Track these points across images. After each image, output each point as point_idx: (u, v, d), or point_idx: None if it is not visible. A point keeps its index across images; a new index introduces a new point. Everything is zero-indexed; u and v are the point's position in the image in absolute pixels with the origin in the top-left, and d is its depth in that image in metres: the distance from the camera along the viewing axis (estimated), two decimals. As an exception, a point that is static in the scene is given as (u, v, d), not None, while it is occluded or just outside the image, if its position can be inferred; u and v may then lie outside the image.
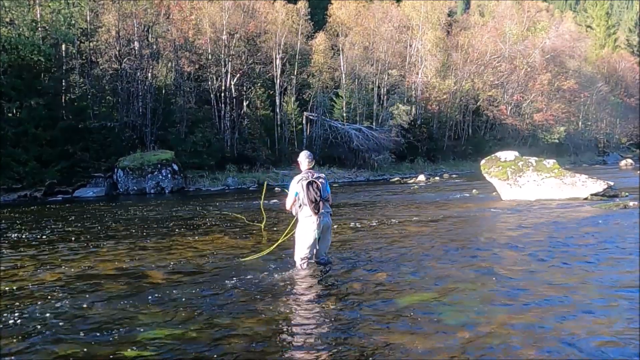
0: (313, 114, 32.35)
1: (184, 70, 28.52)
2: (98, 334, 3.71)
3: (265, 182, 8.67)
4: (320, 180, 5.49)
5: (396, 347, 3.36)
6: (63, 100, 23.20)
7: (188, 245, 7.56)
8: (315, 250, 5.58)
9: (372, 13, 35.55)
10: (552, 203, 11.66)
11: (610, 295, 4.39)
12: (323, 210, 5.43)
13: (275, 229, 8.83)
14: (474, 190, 16.24)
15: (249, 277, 5.33)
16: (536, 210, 10.65)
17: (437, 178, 26.84)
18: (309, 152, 5.78)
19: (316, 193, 5.36)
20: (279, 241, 6.16)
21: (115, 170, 21.98)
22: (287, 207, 5.61)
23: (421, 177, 26.29)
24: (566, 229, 7.95)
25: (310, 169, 5.61)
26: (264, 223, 8.70)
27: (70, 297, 4.71)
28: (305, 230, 5.46)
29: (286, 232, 6.06)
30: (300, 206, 5.47)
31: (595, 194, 12.16)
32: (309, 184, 5.37)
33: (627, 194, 12.83)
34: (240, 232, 8.79)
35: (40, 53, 20.65)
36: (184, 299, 4.56)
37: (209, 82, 28.97)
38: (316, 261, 5.63)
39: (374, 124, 33.40)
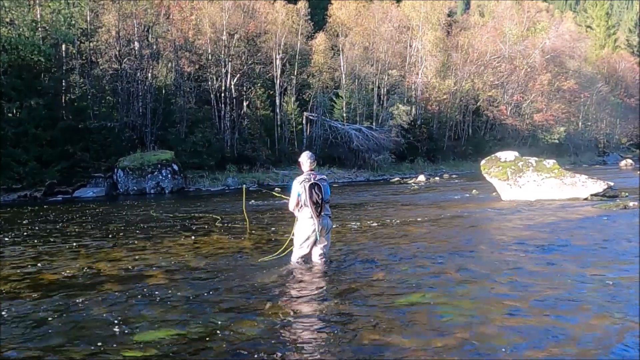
0: (313, 114, 32.34)
1: (184, 71, 28.51)
2: (98, 335, 3.70)
3: (244, 187, 8.67)
4: (323, 182, 5.51)
5: (396, 347, 3.36)
6: (63, 101, 23.18)
7: (188, 245, 7.55)
8: (314, 250, 5.59)
9: (372, 13, 35.54)
10: (552, 203, 11.66)
11: (611, 295, 4.39)
12: (323, 213, 5.44)
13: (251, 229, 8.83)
14: (474, 191, 16.24)
15: (248, 277, 5.33)
16: (536, 210, 10.65)
17: (437, 178, 26.84)
18: (310, 153, 5.78)
19: (318, 195, 5.37)
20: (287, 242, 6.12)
21: (115, 170, 21.97)
22: (291, 208, 5.61)
23: (421, 178, 26.30)
24: (566, 229, 7.95)
25: (311, 170, 5.61)
26: (247, 225, 8.74)
27: (70, 297, 4.71)
28: (304, 230, 5.48)
29: (293, 232, 5.98)
30: (300, 207, 5.47)
31: (596, 194, 12.16)
32: (312, 185, 5.37)
33: (627, 194, 12.83)
34: (240, 232, 8.79)
35: (40, 53, 20.63)
36: (184, 299, 4.55)
37: (209, 82, 28.96)
38: (316, 261, 5.64)
39: (374, 124, 33.39)
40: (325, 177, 5.68)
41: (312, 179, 5.43)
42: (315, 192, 5.36)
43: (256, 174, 26.85)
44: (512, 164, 13.23)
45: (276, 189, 18.44)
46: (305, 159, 5.66)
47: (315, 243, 5.53)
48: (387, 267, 5.68)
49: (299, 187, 5.43)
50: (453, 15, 51.92)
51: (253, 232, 8.64)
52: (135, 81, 25.79)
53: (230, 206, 14.33)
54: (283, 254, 6.04)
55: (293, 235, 5.77)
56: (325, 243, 5.62)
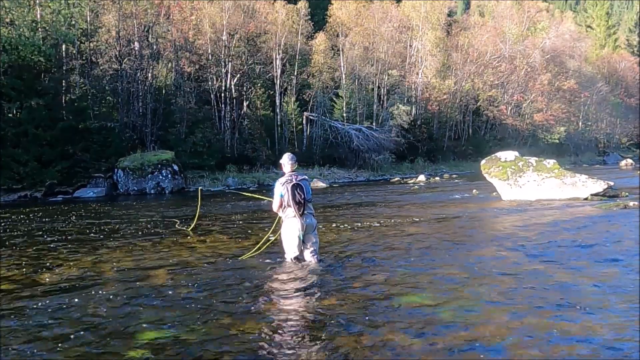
0: (313, 114, 32.36)
1: (184, 71, 28.53)
2: (98, 335, 3.70)
3: (200, 189, 8.87)
4: (305, 182, 5.66)
5: (395, 347, 3.36)
6: (63, 101, 23.19)
7: (188, 245, 7.56)
8: (305, 250, 5.72)
9: (372, 13, 35.56)
10: (552, 203, 11.66)
11: (610, 295, 4.39)
12: (306, 212, 5.59)
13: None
14: (474, 191, 16.24)
15: (247, 276, 5.34)
16: (536, 210, 10.64)
17: (437, 178, 26.84)
18: (291, 155, 5.90)
19: (300, 195, 5.52)
20: (265, 238, 6.49)
21: (116, 170, 21.97)
22: (275, 209, 5.74)
23: (421, 177, 26.29)
24: (566, 229, 7.95)
25: (293, 171, 5.72)
26: (192, 226, 9.06)
27: (70, 297, 4.71)
28: (290, 231, 5.62)
29: (272, 229, 6.38)
30: (284, 207, 5.61)
31: (596, 194, 12.16)
32: (294, 186, 5.52)
33: (627, 194, 12.83)
34: (239, 232, 8.79)
35: (40, 53, 20.65)
36: (184, 299, 4.56)
37: (209, 83, 28.97)
38: (309, 260, 5.72)
39: (374, 124, 33.41)
40: (306, 177, 5.83)
41: (294, 180, 5.57)
42: (298, 193, 5.51)
43: (256, 174, 26.84)
44: (513, 163, 13.23)
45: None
46: (286, 161, 5.78)
47: (303, 242, 5.66)
48: (387, 266, 5.68)
49: (281, 189, 5.57)
50: (453, 15, 51.99)
51: (250, 231, 8.64)
52: (135, 81, 25.80)
53: (229, 206, 14.33)
54: (259, 250, 6.27)
55: (272, 234, 6.11)
56: (314, 240, 5.75)
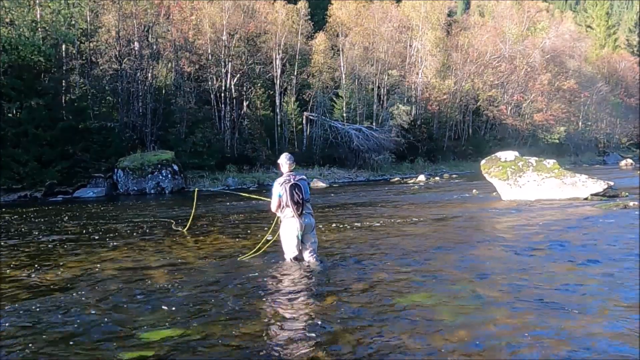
0: (313, 114, 32.36)
1: (184, 71, 28.54)
2: (98, 336, 3.70)
3: (197, 190, 8.93)
4: (303, 182, 5.67)
5: (396, 347, 3.36)
6: (63, 101, 23.21)
7: (187, 245, 7.56)
8: (304, 250, 5.73)
9: (372, 13, 35.57)
10: (552, 203, 11.65)
11: (610, 295, 4.39)
12: (305, 212, 5.60)
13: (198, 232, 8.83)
14: (474, 191, 16.23)
15: (248, 276, 5.34)
16: (536, 210, 10.64)
17: (437, 178, 26.83)
18: (289, 155, 5.92)
19: (298, 195, 5.53)
20: (265, 238, 6.55)
21: (115, 170, 21.99)
22: (273, 209, 5.75)
23: (421, 177, 26.30)
24: (566, 229, 7.95)
25: (291, 171, 5.74)
26: (187, 227, 9.09)
27: (70, 297, 4.71)
28: (288, 231, 5.63)
29: (270, 229, 6.41)
30: (282, 207, 5.62)
31: (596, 194, 12.15)
32: (292, 186, 5.53)
33: (627, 194, 12.82)
34: (239, 232, 8.79)
35: (40, 53, 20.67)
36: (183, 299, 4.55)
37: (209, 83, 28.98)
38: (308, 259, 5.72)
39: (374, 124, 33.41)
40: (304, 177, 5.84)
41: (292, 180, 5.57)
42: (296, 193, 5.51)
43: (256, 174, 26.85)
44: (512, 163, 13.23)
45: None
46: (284, 161, 5.79)
47: (302, 242, 5.67)
48: (387, 266, 5.68)
49: (279, 189, 5.58)
50: (453, 15, 52.04)
51: (249, 231, 8.64)
52: (135, 81, 25.81)
53: (228, 207, 14.33)
54: (260, 251, 6.29)
55: (270, 234, 6.18)
56: (313, 240, 5.76)
